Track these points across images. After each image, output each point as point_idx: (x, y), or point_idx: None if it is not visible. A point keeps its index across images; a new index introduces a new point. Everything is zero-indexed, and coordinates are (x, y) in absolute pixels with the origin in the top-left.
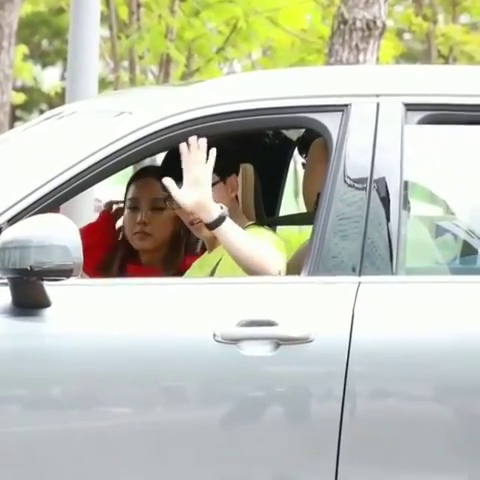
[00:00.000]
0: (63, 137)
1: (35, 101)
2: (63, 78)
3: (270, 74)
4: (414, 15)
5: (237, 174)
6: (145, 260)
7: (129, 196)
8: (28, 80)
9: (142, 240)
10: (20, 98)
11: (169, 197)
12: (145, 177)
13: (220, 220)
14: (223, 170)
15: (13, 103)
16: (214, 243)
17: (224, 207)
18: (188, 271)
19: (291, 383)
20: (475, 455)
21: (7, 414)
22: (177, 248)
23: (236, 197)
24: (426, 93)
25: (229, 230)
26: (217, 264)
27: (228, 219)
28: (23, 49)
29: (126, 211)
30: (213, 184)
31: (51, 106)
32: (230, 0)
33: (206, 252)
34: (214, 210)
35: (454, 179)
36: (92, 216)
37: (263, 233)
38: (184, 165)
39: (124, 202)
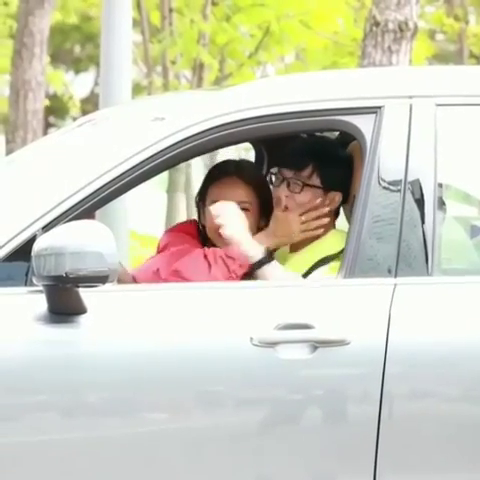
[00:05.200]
0: (96, 143)
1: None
2: (96, 84)
3: (303, 77)
4: (446, 16)
5: (345, 195)
6: None
7: (213, 197)
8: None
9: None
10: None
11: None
12: (228, 176)
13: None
14: (330, 180)
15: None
16: (299, 242)
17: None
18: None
19: (328, 386)
20: None
21: (43, 421)
22: None
23: (336, 213)
24: (459, 94)
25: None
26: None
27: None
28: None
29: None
30: (308, 185)
31: (84, 112)
32: (262, 4)
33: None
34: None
35: None
36: (126, 222)
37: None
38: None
39: (201, 197)
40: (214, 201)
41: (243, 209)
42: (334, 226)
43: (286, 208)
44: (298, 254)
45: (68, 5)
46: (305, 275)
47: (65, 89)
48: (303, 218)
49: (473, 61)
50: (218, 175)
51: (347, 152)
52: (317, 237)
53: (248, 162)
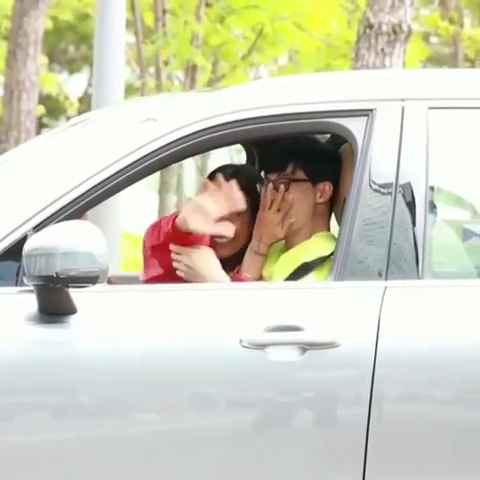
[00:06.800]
0: (89, 144)
1: (61, 108)
2: (90, 84)
3: (296, 79)
4: (440, 18)
5: (335, 184)
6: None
7: None
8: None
9: (222, 245)
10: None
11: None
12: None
13: None
14: (316, 172)
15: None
16: (292, 242)
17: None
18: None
19: (318, 388)
20: None
21: (34, 421)
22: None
23: (326, 205)
24: (451, 97)
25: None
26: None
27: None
28: (44, 60)
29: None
30: (294, 180)
31: (78, 113)
32: (255, 6)
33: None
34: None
35: None
36: (118, 223)
37: (321, 245)
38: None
39: None
40: None
41: (237, 212)
42: (328, 227)
43: (278, 210)
44: (285, 255)
45: (63, 3)
46: (287, 278)
47: (60, 89)
48: (281, 214)
49: (468, 64)
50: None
51: (327, 143)
52: (309, 236)
53: (249, 168)
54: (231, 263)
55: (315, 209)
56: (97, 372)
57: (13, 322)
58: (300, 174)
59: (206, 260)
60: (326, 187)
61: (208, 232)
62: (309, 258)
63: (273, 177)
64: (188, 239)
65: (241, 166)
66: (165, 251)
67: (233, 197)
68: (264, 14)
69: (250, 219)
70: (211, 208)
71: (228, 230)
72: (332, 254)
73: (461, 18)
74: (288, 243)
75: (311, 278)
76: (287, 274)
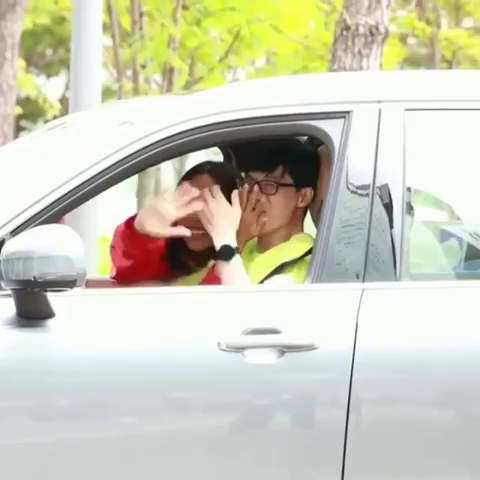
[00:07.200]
0: (66, 147)
1: (40, 111)
2: (68, 87)
3: (273, 81)
4: (417, 19)
5: (314, 188)
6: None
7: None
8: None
9: (200, 238)
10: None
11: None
12: (200, 174)
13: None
14: (300, 178)
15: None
16: (269, 243)
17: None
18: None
19: (296, 390)
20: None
21: (12, 425)
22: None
23: (305, 210)
24: (428, 99)
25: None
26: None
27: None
28: (22, 63)
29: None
30: (282, 185)
31: (56, 116)
32: (232, 8)
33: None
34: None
35: (458, 183)
36: (95, 227)
37: (301, 246)
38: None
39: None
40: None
41: None
42: (302, 228)
43: (263, 212)
44: (264, 255)
45: (40, 7)
46: (264, 280)
47: (38, 92)
48: (256, 214)
49: (445, 65)
50: (192, 173)
51: (311, 147)
52: (286, 238)
53: (226, 165)
54: (208, 256)
55: (294, 212)
56: (75, 376)
57: None
58: (287, 178)
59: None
60: (308, 192)
61: (163, 234)
62: (289, 258)
63: (259, 177)
64: (142, 239)
65: (220, 163)
66: (118, 251)
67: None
68: (241, 16)
69: None
70: (166, 211)
71: (184, 231)
72: (309, 253)
73: (438, 19)
74: (264, 244)
75: (291, 278)
76: (266, 274)
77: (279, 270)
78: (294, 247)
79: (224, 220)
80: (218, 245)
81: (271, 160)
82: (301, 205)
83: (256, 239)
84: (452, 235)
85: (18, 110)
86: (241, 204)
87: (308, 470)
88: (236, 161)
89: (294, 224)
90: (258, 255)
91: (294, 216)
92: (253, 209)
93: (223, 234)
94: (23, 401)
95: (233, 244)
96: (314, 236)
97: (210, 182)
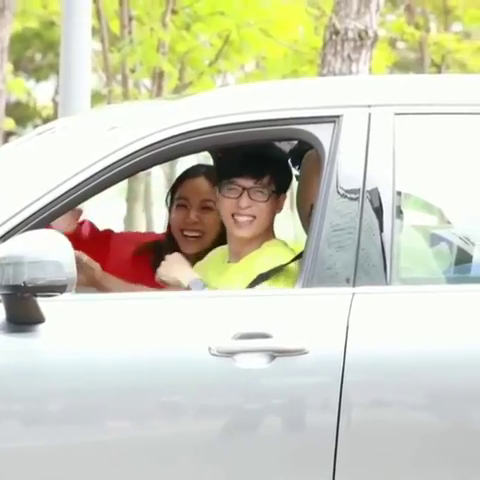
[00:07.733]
0: (55, 153)
1: (29, 116)
2: (57, 92)
3: (262, 86)
4: (406, 24)
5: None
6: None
7: (178, 195)
8: (22, 95)
9: (194, 241)
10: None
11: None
12: (195, 176)
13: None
14: (280, 185)
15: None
16: (242, 252)
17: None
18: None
19: (287, 395)
20: (472, 464)
21: (3, 430)
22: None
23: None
24: (417, 103)
25: None
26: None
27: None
28: (10, 67)
29: (174, 210)
30: (272, 192)
31: (45, 120)
32: (222, 12)
33: (224, 258)
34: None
35: (448, 187)
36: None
37: (276, 253)
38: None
39: (170, 201)
40: (182, 197)
41: (207, 207)
42: (274, 234)
43: (254, 217)
44: (238, 264)
45: (29, 11)
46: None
47: (28, 96)
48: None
49: (434, 69)
50: (188, 175)
51: (287, 154)
52: (258, 246)
53: None
54: (200, 259)
55: (270, 220)
56: (66, 381)
57: None
58: (273, 186)
59: (179, 268)
60: (282, 200)
61: None
62: (264, 269)
63: (248, 184)
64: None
65: (211, 166)
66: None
67: None
68: (230, 21)
69: (218, 217)
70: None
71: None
72: (290, 263)
73: (427, 23)
74: (236, 252)
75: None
76: (242, 287)
77: (256, 283)
78: (268, 256)
79: (176, 265)
80: (186, 284)
81: (261, 167)
82: (277, 212)
83: (226, 247)
84: (442, 239)
85: (9, 124)
86: (223, 209)
87: (299, 474)
88: (219, 167)
89: (267, 231)
90: (230, 265)
91: (269, 224)
92: (232, 215)
93: (184, 273)
94: (13, 406)
95: (195, 275)
96: (285, 242)
97: (206, 185)
